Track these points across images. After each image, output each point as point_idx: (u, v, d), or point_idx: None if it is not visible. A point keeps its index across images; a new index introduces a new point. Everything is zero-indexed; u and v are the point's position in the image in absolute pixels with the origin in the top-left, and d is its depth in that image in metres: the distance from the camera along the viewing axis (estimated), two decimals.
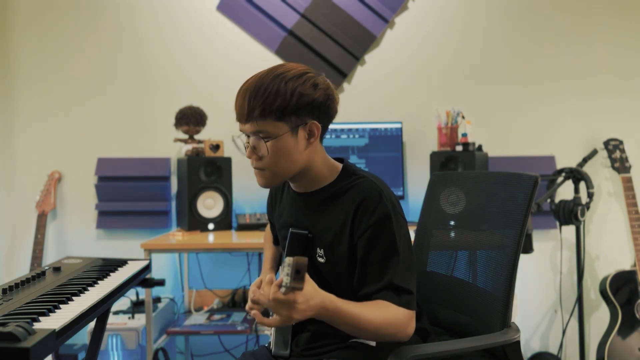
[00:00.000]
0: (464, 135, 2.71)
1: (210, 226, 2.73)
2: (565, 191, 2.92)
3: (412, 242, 1.34)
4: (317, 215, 1.35)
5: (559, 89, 3.04)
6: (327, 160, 1.36)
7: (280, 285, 1.04)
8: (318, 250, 1.33)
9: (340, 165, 1.37)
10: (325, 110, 1.29)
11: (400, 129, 2.88)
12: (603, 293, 2.79)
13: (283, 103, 1.22)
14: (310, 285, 1.09)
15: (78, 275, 1.54)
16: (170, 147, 3.03)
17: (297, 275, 1.00)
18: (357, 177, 1.33)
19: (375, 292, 1.24)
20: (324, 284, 1.33)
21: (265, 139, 1.24)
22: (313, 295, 1.09)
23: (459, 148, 2.67)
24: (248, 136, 1.29)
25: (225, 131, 2.97)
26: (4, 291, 1.31)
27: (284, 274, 1.01)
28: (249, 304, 1.42)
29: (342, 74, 3.02)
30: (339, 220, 1.30)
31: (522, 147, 3.04)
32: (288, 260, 0.99)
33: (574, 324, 2.91)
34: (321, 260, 1.33)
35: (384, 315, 1.19)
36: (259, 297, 1.16)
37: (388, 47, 3.05)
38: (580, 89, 3.03)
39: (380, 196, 1.27)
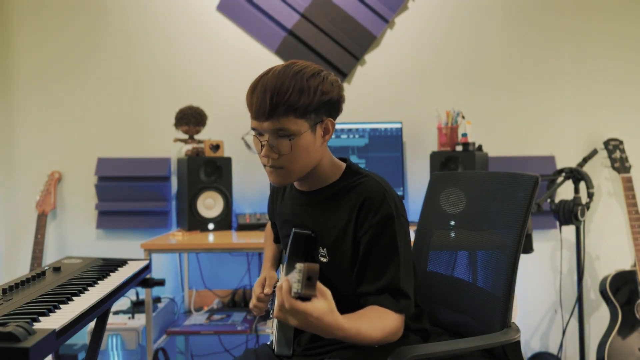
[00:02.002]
0: (464, 135, 2.71)
1: (210, 226, 2.73)
2: (565, 191, 2.92)
3: (412, 242, 1.35)
4: (320, 214, 1.35)
5: (559, 89, 3.04)
6: (332, 159, 1.36)
7: (290, 291, 1.00)
8: (321, 249, 1.33)
9: (343, 165, 1.37)
10: (337, 107, 1.31)
11: (400, 129, 2.88)
12: (603, 293, 2.79)
13: (306, 100, 1.22)
14: (327, 303, 1.04)
15: (78, 275, 1.54)
16: (170, 147, 3.03)
17: (308, 282, 0.97)
18: (361, 176, 1.33)
19: (375, 292, 1.24)
20: (326, 283, 1.33)
21: (288, 137, 1.23)
22: (326, 313, 1.04)
23: (459, 148, 2.67)
24: (261, 134, 1.26)
25: (225, 131, 2.97)
26: (4, 291, 1.31)
27: (295, 280, 0.97)
28: (253, 301, 1.43)
29: (342, 74, 3.03)
30: (343, 219, 1.30)
31: (522, 147, 3.04)
32: (299, 266, 0.96)
33: (574, 324, 2.91)
34: (324, 259, 1.33)
35: (383, 327, 1.20)
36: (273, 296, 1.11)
37: (388, 47, 3.05)
38: (580, 89, 3.03)
39: (384, 196, 1.27)
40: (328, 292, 1.05)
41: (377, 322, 1.19)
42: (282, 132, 1.23)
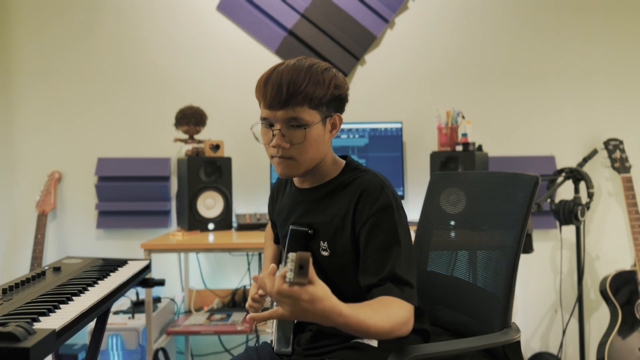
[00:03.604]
0: (464, 135, 2.71)
1: (210, 226, 2.73)
2: (565, 191, 2.92)
3: (412, 242, 1.34)
4: (320, 209, 1.35)
5: (559, 89, 3.04)
6: (334, 156, 1.38)
7: (284, 278, 0.99)
8: (321, 243, 1.33)
9: (343, 162, 1.39)
10: (344, 104, 1.34)
11: (400, 129, 2.88)
12: (603, 293, 2.79)
13: (321, 92, 1.25)
14: (320, 288, 1.01)
15: (78, 275, 1.54)
16: (170, 147, 3.03)
17: (300, 271, 0.96)
18: (359, 171, 1.35)
19: (378, 282, 1.22)
20: (327, 280, 1.33)
21: (301, 127, 1.25)
22: (321, 299, 1.00)
23: (459, 148, 2.67)
24: (272, 124, 1.27)
25: (225, 131, 2.97)
26: (4, 291, 1.31)
27: (288, 270, 0.98)
28: (249, 302, 1.42)
29: (342, 74, 3.02)
30: (341, 212, 1.31)
31: (522, 147, 3.04)
32: (291, 255, 0.97)
33: (574, 324, 2.91)
34: (325, 253, 1.33)
35: (389, 316, 1.16)
36: (262, 284, 1.09)
37: (388, 47, 3.05)
38: (581, 89, 3.03)
39: (382, 187, 1.28)
40: (322, 282, 1.02)
41: (381, 311, 1.16)
42: (295, 121, 1.24)
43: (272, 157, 1.30)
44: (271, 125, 1.27)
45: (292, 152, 1.27)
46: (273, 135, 1.26)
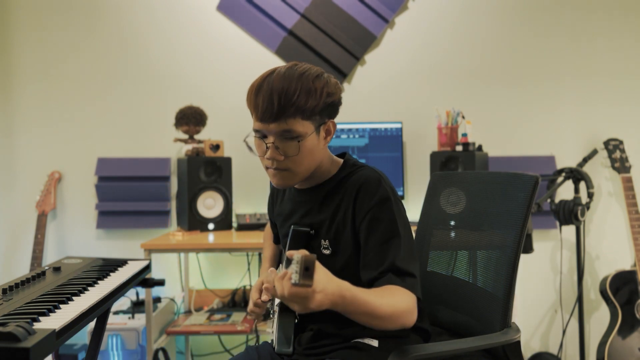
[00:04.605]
0: (464, 135, 2.71)
1: (210, 226, 2.73)
2: (565, 191, 2.92)
3: (413, 234, 1.34)
4: (320, 208, 1.35)
5: (559, 89, 3.04)
6: (331, 157, 1.38)
7: (290, 280, 0.98)
8: (323, 242, 1.33)
9: (341, 160, 1.39)
10: (338, 109, 1.32)
11: (400, 129, 2.88)
12: (603, 293, 2.79)
13: (313, 102, 1.22)
14: (323, 273, 1.01)
15: (78, 275, 1.54)
16: (170, 147, 3.03)
17: (306, 273, 0.96)
18: (356, 167, 1.35)
19: (378, 275, 1.22)
20: None
21: (295, 139, 1.23)
22: (328, 283, 1.01)
23: (459, 148, 2.67)
24: (265, 136, 1.25)
25: (225, 131, 2.97)
26: (4, 291, 1.31)
27: (293, 271, 0.97)
28: (250, 306, 1.42)
29: (342, 74, 3.02)
30: (342, 209, 1.31)
31: (522, 147, 3.04)
32: (296, 257, 0.96)
33: (574, 324, 2.91)
34: (327, 252, 1.33)
35: (394, 300, 1.16)
36: (269, 287, 1.06)
37: (388, 47, 3.05)
38: (581, 89, 3.03)
39: (379, 181, 1.28)
40: (322, 267, 1.02)
41: (386, 296, 1.15)
42: (289, 134, 1.22)
43: (267, 168, 1.29)
44: (264, 137, 1.25)
45: (287, 163, 1.26)
46: (267, 148, 1.24)
